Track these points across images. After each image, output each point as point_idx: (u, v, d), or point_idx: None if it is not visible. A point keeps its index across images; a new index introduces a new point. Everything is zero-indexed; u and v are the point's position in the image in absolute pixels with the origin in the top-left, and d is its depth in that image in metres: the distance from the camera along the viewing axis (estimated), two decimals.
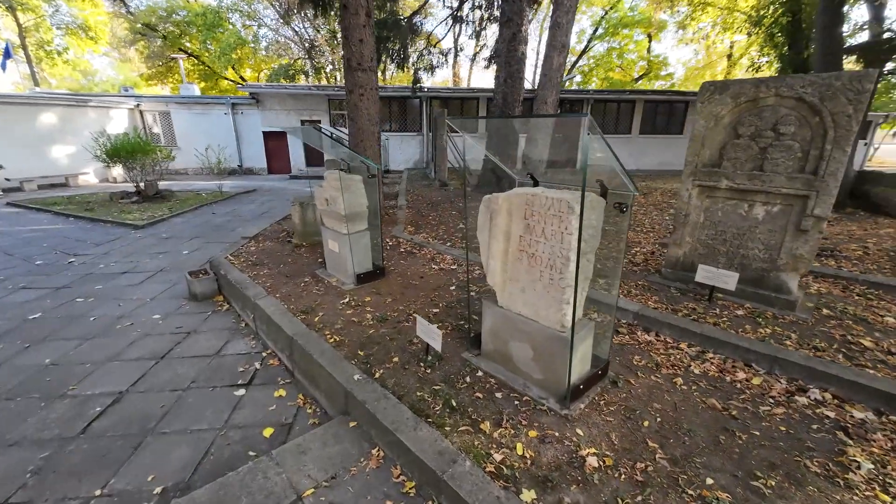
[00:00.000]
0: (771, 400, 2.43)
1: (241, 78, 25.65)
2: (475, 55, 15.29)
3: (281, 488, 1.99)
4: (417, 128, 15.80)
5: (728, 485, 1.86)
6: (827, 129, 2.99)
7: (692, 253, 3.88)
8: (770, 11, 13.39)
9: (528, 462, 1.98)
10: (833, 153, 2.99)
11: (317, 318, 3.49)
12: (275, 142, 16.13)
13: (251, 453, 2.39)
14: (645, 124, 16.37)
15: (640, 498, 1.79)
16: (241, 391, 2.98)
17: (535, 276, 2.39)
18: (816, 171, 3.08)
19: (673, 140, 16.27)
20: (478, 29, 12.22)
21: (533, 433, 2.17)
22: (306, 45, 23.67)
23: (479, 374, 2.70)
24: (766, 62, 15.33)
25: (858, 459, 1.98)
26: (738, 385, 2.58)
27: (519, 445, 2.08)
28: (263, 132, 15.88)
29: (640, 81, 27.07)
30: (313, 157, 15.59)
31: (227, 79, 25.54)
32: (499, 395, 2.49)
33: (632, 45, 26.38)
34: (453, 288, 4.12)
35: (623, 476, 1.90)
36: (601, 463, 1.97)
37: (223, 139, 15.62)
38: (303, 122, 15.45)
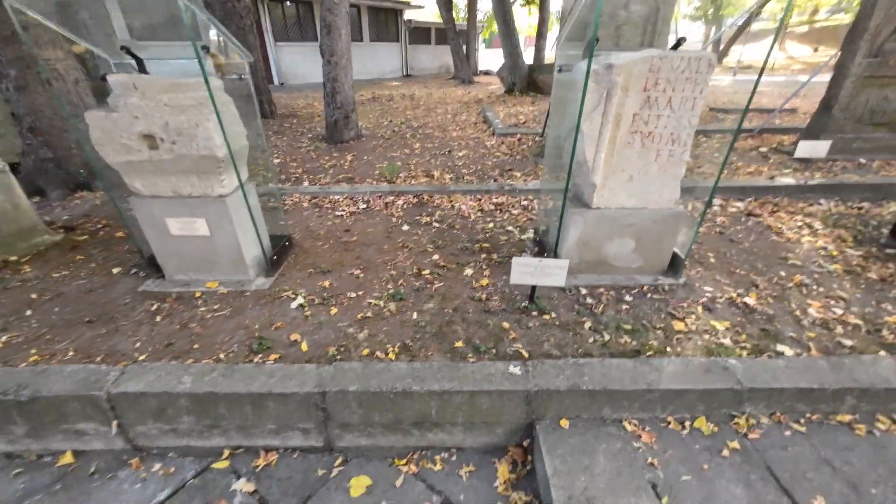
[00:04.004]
0: (709, 216, 3.36)
1: None
2: None
3: None
4: None
5: (785, 271, 2.55)
6: (659, 7, 3.82)
7: None
8: None
9: (744, 328, 2.02)
10: (660, 27, 3.89)
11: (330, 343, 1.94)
12: None
13: None
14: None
15: (793, 299, 2.21)
16: None
17: (649, 158, 2.14)
18: (652, 44, 3.96)
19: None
20: None
21: (698, 309, 2.19)
22: None
23: (584, 290, 2.36)
24: None
25: (777, 225, 3.11)
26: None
27: (715, 324, 2.07)
28: None
29: None
30: None
31: None
32: (628, 297, 2.29)
33: None
34: (406, 228, 3.13)
35: (765, 292, 2.27)
36: (753, 302, 2.25)
37: None
38: None
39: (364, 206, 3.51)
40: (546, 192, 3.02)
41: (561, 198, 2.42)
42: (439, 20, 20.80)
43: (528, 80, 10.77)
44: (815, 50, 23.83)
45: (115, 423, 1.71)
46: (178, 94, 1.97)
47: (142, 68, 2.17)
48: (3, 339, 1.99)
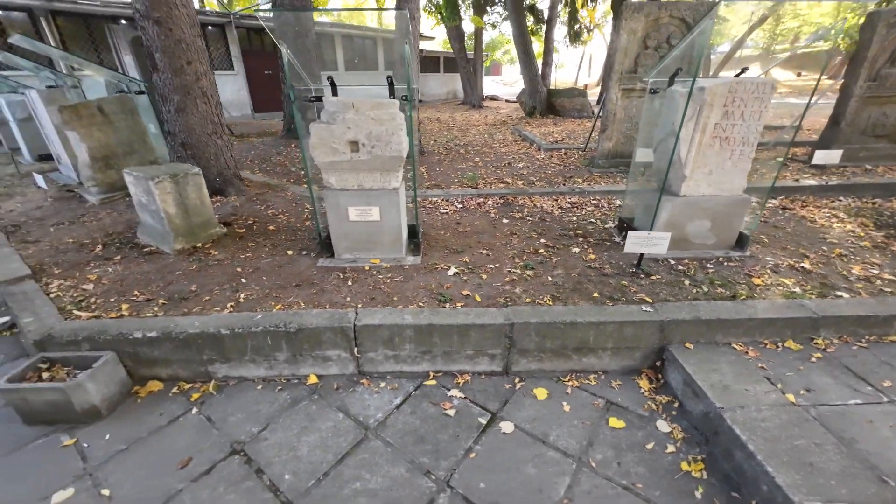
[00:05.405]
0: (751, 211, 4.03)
1: None
2: None
3: None
4: None
5: (826, 247, 3.20)
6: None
7: (617, 144, 5.14)
8: None
9: (807, 282, 2.65)
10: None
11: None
12: None
13: None
14: None
15: (825, 263, 2.85)
16: None
17: (725, 156, 2.82)
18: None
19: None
20: None
21: (768, 271, 2.82)
22: None
23: (673, 261, 2.99)
24: None
25: (810, 216, 3.78)
26: None
27: (784, 280, 2.70)
28: None
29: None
30: None
31: None
32: (709, 266, 2.92)
33: None
34: (506, 221, 3.77)
35: (815, 260, 2.91)
36: (808, 266, 2.89)
37: None
38: None
39: (460, 205, 4.16)
40: (632, 190, 3.66)
41: (649, 191, 3.09)
42: (447, 50, 22.08)
43: (547, 104, 11.70)
44: (799, 75, 25.37)
45: (355, 349, 2.29)
46: (379, 110, 2.63)
47: (334, 92, 2.85)
48: (243, 295, 2.58)
